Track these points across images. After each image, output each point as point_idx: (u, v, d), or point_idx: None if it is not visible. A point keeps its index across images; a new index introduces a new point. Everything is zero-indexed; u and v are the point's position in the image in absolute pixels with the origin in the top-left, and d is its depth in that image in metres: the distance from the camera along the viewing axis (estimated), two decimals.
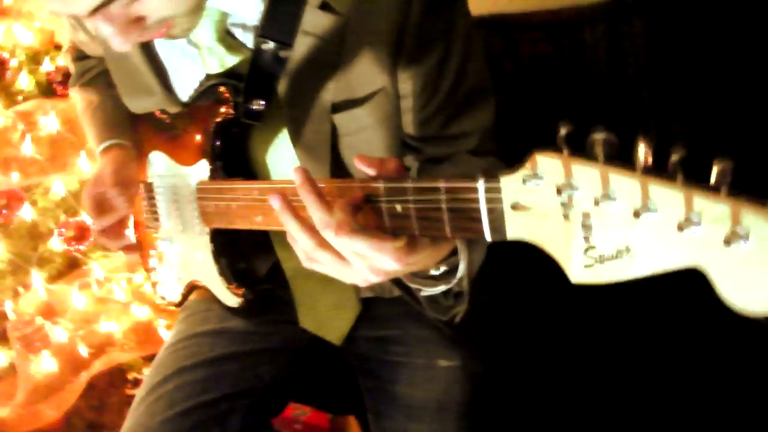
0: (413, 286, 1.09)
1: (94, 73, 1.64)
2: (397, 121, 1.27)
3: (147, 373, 1.49)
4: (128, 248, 1.58)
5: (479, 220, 0.83)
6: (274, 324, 1.50)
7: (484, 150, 1.28)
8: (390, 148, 1.27)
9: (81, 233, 2.22)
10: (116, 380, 2.42)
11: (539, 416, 1.92)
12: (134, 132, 1.57)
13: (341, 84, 1.22)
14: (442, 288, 1.08)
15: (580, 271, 0.73)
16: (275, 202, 0.96)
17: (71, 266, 2.31)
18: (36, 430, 2.29)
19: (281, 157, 1.34)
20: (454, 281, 1.06)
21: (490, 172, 0.81)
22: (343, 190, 0.98)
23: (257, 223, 1.19)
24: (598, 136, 0.66)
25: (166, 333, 2.23)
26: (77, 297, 2.22)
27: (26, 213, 2.21)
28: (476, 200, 0.82)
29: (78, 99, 1.65)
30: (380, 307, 1.48)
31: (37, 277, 2.21)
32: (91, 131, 1.58)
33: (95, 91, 1.61)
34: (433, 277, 1.07)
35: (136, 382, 2.33)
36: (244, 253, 1.42)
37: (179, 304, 1.61)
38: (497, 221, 0.81)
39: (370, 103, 1.22)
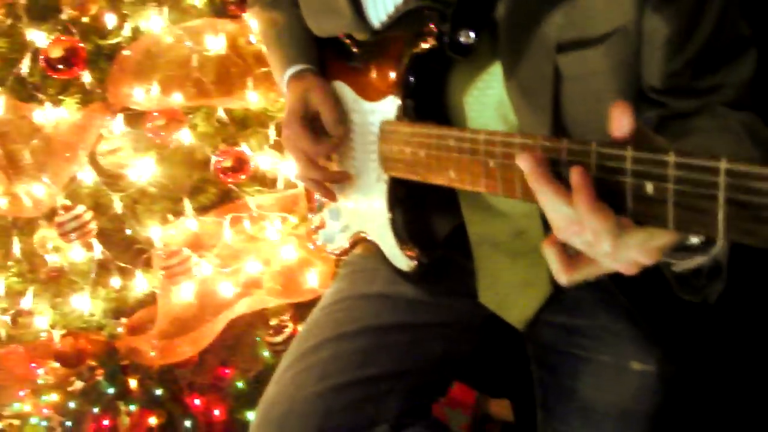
0: (664, 259, 0.87)
1: None
2: (635, 68, 1.10)
3: (297, 337, 1.34)
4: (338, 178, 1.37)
5: None
6: (448, 295, 1.35)
7: (741, 104, 1.10)
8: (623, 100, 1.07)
9: (239, 164, 2.08)
10: (255, 321, 2.31)
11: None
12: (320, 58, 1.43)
13: (571, 18, 1.05)
14: (699, 260, 0.86)
15: None
16: (525, 163, 0.77)
17: (224, 198, 2.19)
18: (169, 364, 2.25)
19: (483, 102, 1.16)
20: (713, 252, 0.85)
21: None
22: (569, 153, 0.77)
23: (448, 178, 1.03)
24: None
25: (316, 281, 2.07)
26: (227, 231, 2.10)
27: (185, 137, 2.10)
28: None
29: (260, 19, 1.52)
30: (571, 290, 1.26)
31: (188, 206, 2.10)
32: (277, 54, 1.44)
33: (280, 11, 1.46)
34: (689, 248, 0.84)
35: (279, 329, 2.20)
36: (425, 209, 1.28)
37: (341, 255, 1.47)
38: None
39: (605, 45, 1.05)
